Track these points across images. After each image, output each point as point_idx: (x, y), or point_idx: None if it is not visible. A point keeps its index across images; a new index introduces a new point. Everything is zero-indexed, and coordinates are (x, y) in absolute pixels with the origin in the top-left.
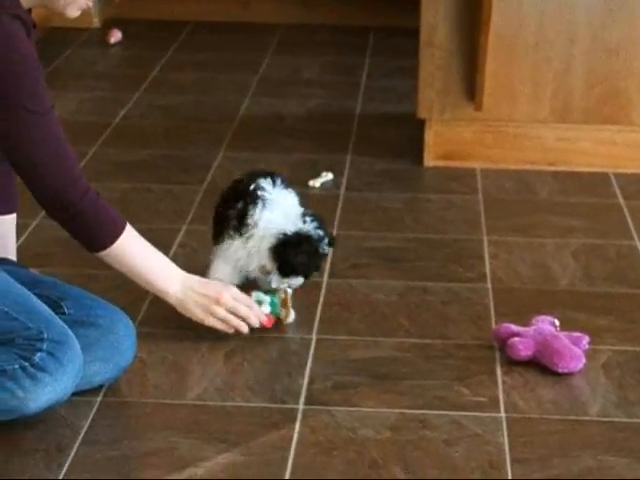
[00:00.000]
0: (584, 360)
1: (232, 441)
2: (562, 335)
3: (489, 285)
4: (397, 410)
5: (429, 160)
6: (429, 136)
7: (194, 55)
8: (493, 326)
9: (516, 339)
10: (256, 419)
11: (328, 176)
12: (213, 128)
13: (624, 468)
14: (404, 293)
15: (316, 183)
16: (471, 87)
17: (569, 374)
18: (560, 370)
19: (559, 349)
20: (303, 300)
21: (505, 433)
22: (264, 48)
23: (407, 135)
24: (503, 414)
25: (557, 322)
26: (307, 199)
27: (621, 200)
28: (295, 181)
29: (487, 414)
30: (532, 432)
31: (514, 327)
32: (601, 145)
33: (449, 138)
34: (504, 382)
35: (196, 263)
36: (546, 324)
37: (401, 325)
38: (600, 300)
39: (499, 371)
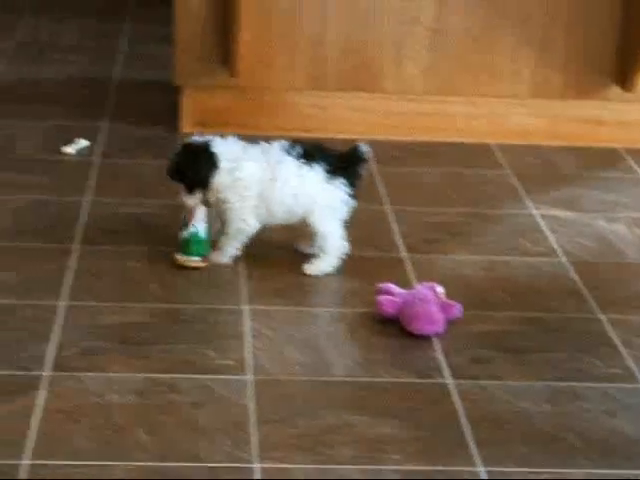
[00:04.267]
0: (441, 326)
1: None
2: (433, 300)
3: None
4: (144, 375)
5: (186, 127)
6: (186, 103)
7: None
8: (243, 292)
9: (384, 297)
10: None
11: (82, 142)
12: None
13: (365, 425)
14: (154, 258)
15: (70, 149)
16: (227, 54)
17: (424, 336)
18: (413, 331)
19: (417, 312)
20: (53, 267)
21: (252, 395)
22: (21, 12)
23: (165, 102)
24: (250, 376)
25: (439, 289)
26: (60, 165)
27: (374, 166)
28: (50, 148)
29: (234, 377)
30: (278, 393)
31: (394, 288)
32: (356, 112)
33: (205, 105)
34: (253, 345)
35: None
36: (427, 289)
37: (151, 291)
38: (349, 263)
39: (248, 334)
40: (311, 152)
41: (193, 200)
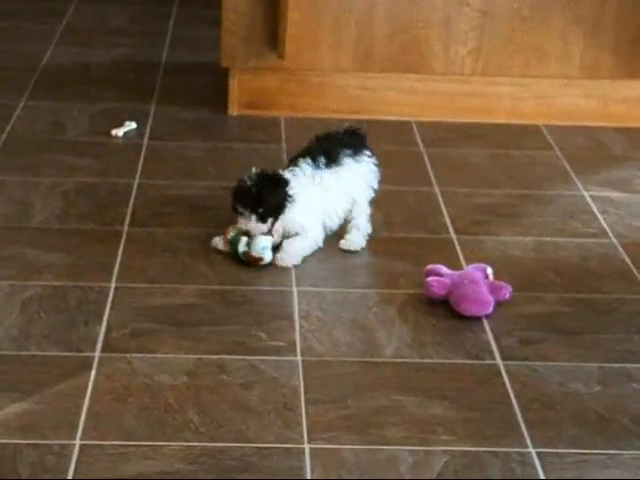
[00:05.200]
0: (491, 307)
1: (26, 390)
2: (483, 282)
3: None
4: (194, 356)
5: (234, 109)
6: (233, 85)
7: None
8: (291, 274)
9: (434, 278)
10: (51, 368)
11: (131, 125)
12: (14, 77)
13: (414, 406)
14: (203, 239)
15: (119, 132)
16: (275, 35)
17: (473, 317)
18: (462, 312)
19: (467, 293)
20: (103, 249)
21: (301, 376)
22: None
23: (213, 84)
24: (299, 357)
25: (490, 271)
26: (109, 148)
27: (422, 148)
28: (98, 130)
29: (284, 358)
30: (327, 374)
31: (443, 269)
32: (403, 94)
33: (253, 87)
34: (302, 326)
35: None
36: (477, 271)
37: (201, 272)
38: (398, 245)
39: (297, 315)
40: (331, 152)
41: (262, 228)
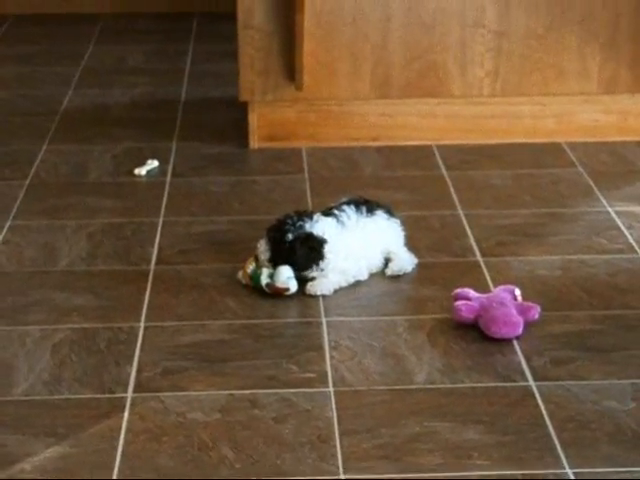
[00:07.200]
0: (521, 328)
1: (61, 434)
2: (511, 303)
3: None
4: (226, 392)
5: (255, 142)
6: (253, 118)
7: (15, 49)
8: (319, 304)
9: (462, 302)
10: (84, 411)
11: (154, 163)
12: (36, 122)
13: (449, 431)
14: (229, 274)
15: (142, 171)
16: (292, 67)
17: (503, 340)
18: (492, 335)
19: (496, 315)
20: (130, 289)
21: (334, 407)
22: (87, 39)
23: (232, 119)
24: (331, 388)
25: (518, 292)
26: (132, 187)
27: (444, 171)
28: (121, 170)
29: (316, 389)
30: (360, 404)
31: (471, 292)
32: (423, 118)
33: (273, 119)
34: (332, 357)
35: (21, 259)
36: (505, 292)
37: (229, 307)
38: (424, 270)
39: (327, 346)
40: (368, 202)
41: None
